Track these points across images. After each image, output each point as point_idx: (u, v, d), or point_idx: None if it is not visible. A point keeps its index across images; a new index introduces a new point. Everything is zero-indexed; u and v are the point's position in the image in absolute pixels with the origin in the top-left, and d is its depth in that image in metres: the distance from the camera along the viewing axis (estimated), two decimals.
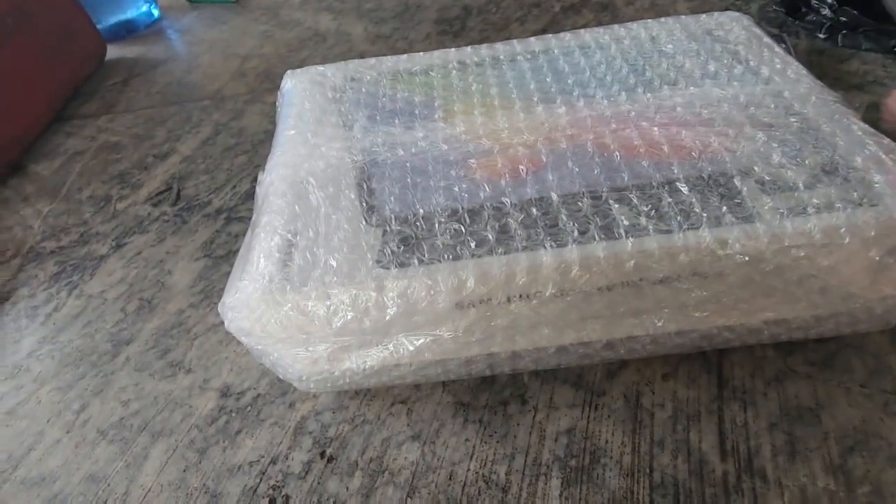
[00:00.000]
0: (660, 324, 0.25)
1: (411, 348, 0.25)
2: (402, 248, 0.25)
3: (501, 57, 0.38)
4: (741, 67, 0.33)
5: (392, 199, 0.28)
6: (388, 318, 0.24)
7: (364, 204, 0.28)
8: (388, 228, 0.26)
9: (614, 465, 0.26)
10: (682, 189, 0.26)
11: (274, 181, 0.30)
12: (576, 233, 0.25)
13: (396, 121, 0.34)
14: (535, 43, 0.39)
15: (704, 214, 0.24)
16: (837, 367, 0.28)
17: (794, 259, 0.23)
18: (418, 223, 0.27)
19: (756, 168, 0.26)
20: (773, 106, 0.30)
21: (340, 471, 0.27)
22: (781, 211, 0.24)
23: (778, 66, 0.33)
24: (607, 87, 0.34)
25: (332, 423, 0.29)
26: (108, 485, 0.28)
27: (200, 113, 0.51)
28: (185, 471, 0.28)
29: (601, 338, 0.26)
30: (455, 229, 0.26)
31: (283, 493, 0.27)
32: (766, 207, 0.24)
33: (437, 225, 0.26)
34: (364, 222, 0.27)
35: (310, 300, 0.24)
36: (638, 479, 0.25)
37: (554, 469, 0.26)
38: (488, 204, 0.27)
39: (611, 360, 0.27)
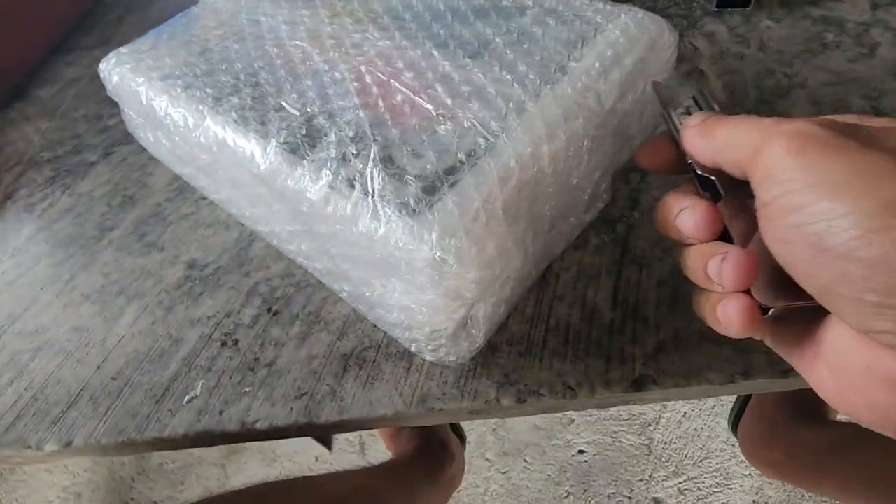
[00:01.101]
0: None
1: None
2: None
3: None
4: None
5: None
6: None
7: None
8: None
9: (518, 314, 0.29)
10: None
11: None
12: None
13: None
14: None
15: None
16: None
17: None
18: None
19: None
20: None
21: (283, 321, 0.31)
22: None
23: None
24: (432, 36, 0.32)
25: (280, 286, 0.33)
26: (90, 333, 0.33)
27: None
28: (153, 323, 0.33)
29: None
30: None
31: (233, 338, 0.31)
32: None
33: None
34: None
35: None
36: (536, 324, 0.29)
37: None
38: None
39: None
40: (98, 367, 0.31)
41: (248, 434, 0.28)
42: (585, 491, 0.92)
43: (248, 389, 0.29)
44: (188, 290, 0.34)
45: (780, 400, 0.59)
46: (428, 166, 0.24)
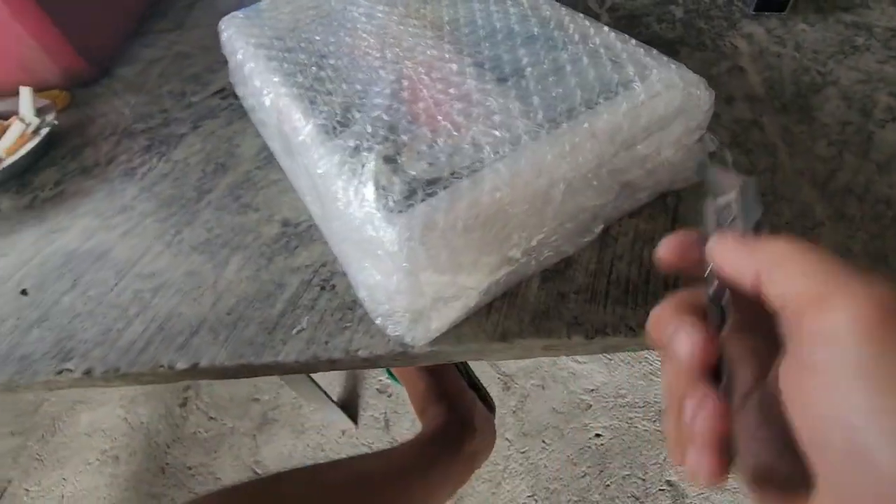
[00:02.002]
0: None
1: None
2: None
3: None
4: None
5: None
6: None
7: None
8: None
9: (582, 269, 0.34)
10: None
11: None
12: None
13: None
14: None
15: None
16: (769, 211, 0.35)
17: None
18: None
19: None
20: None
21: None
22: None
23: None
24: (475, 53, 0.35)
25: None
26: (201, 277, 0.38)
27: None
28: (257, 270, 0.38)
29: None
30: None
31: (330, 283, 0.36)
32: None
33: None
34: None
35: None
36: (598, 277, 0.33)
37: (536, 275, 0.34)
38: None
39: None
40: (213, 304, 0.36)
41: (352, 361, 0.32)
42: (602, 472, 0.97)
43: (348, 325, 0.33)
44: (285, 244, 0.39)
45: None
46: (418, 172, 0.27)
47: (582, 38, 0.34)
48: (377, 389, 1.13)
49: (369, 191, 0.27)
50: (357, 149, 0.29)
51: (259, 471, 1.06)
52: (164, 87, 0.58)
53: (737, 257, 0.16)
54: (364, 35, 0.39)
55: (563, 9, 0.37)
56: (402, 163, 0.28)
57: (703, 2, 0.54)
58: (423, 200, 0.26)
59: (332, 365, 0.33)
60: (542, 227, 0.30)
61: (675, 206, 0.36)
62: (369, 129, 0.30)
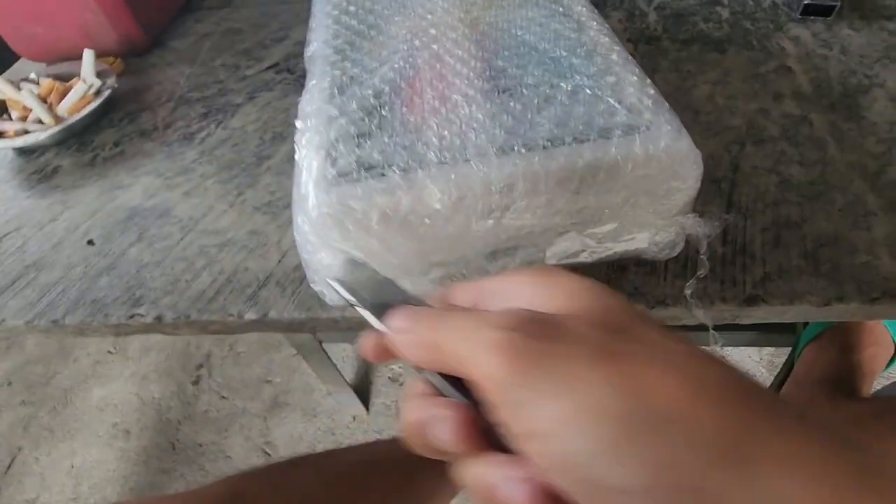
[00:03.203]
0: None
1: None
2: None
3: None
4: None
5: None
6: None
7: None
8: None
9: None
10: None
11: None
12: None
13: None
14: None
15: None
16: (822, 199, 0.36)
17: None
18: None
19: None
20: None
21: None
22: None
23: None
24: (490, 58, 0.34)
25: None
26: (266, 236, 0.39)
27: (307, 11, 0.60)
28: None
29: None
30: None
31: None
32: None
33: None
34: None
35: None
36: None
37: None
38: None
39: None
40: (279, 261, 0.37)
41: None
42: None
43: None
44: None
45: (817, 377, 0.64)
46: (364, 156, 0.28)
47: (600, 71, 0.32)
48: (389, 378, 1.14)
49: (320, 157, 0.28)
50: (331, 117, 0.31)
51: (269, 451, 1.07)
52: (217, 60, 0.59)
53: (419, 358, 0.17)
54: (411, 16, 0.39)
55: (608, 38, 0.35)
56: (361, 143, 0.29)
57: (749, 4, 0.55)
58: (354, 182, 0.27)
59: None
60: (460, 252, 0.30)
61: (728, 190, 0.37)
62: (355, 104, 0.31)
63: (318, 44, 0.38)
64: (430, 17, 0.39)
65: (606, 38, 0.36)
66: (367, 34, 0.38)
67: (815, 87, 0.45)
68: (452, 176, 0.26)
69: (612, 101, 0.30)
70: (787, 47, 0.49)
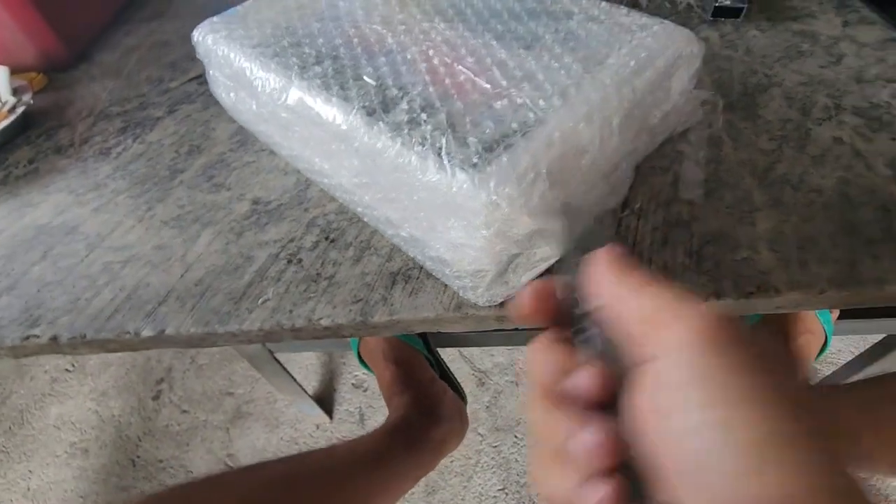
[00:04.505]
0: None
1: None
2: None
3: None
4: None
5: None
6: None
7: None
8: None
9: None
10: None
11: None
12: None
13: None
14: None
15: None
16: (712, 196, 0.37)
17: None
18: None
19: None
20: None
21: (339, 247, 0.38)
22: None
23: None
24: (490, 29, 0.38)
25: (336, 220, 0.39)
26: (171, 250, 0.39)
27: None
28: (227, 244, 0.39)
29: None
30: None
31: (297, 258, 0.37)
32: None
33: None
34: None
35: None
36: None
37: None
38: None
39: None
40: (181, 275, 0.37)
41: (314, 330, 0.34)
42: None
43: (312, 295, 0.35)
44: (255, 220, 0.40)
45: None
46: (487, 131, 0.30)
47: (581, 9, 0.39)
48: (352, 384, 1.14)
49: (447, 154, 0.28)
50: (414, 121, 0.31)
51: (231, 464, 1.06)
52: (143, 73, 0.59)
53: (607, 280, 0.17)
54: (371, 26, 0.40)
55: None
56: (465, 128, 0.30)
57: (665, 7, 0.57)
58: (502, 155, 0.28)
59: (294, 333, 0.34)
60: (601, 170, 0.34)
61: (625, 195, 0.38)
62: (420, 104, 0.32)
63: (294, 85, 0.36)
64: (390, 21, 0.40)
65: None
66: (339, 55, 0.38)
67: (718, 87, 0.46)
68: (563, 113, 0.30)
69: (612, 21, 0.37)
70: None
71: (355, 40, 0.39)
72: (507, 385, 1.10)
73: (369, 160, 0.32)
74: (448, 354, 1.13)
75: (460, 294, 0.33)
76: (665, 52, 0.34)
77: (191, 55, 0.60)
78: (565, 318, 0.19)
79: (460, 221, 0.29)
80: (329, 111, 0.34)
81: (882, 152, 0.38)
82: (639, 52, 0.34)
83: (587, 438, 0.15)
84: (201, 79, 0.56)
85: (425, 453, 0.71)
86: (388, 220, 0.36)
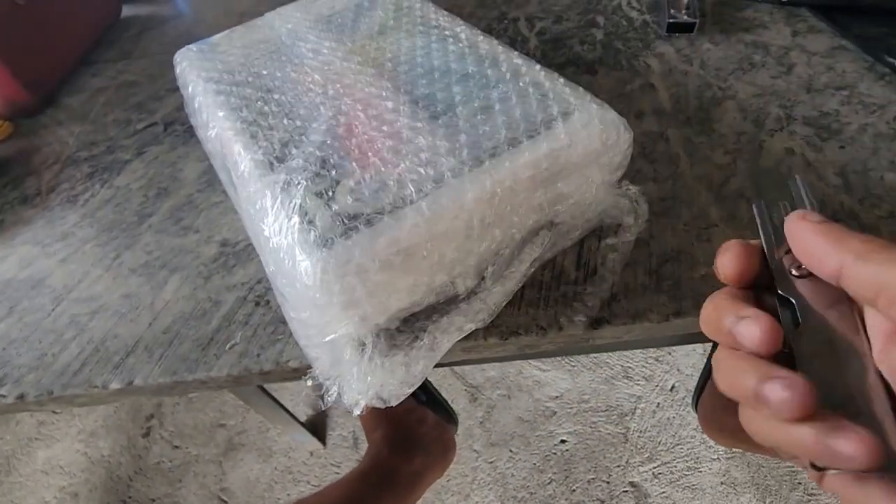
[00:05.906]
0: None
1: None
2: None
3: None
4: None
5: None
6: None
7: None
8: None
9: None
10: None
11: None
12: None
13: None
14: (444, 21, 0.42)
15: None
16: (670, 214, 0.38)
17: None
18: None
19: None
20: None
21: None
22: None
23: None
24: (411, 90, 0.36)
25: None
26: (139, 299, 0.39)
27: None
28: (194, 289, 0.39)
29: None
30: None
31: (265, 299, 0.37)
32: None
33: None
34: None
35: None
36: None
37: None
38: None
39: None
40: (149, 324, 0.37)
41: (282, 372, 0.34)
42: (567, 477, 0.98)
43: (280, 337, 0.35)
44: (223, 262, 0.40)
45: None
46: (342, 209, 0.28)
47: (514, 75, 0.35)
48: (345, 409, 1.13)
49: (293, 224, 0.28)
50: (288, 183, 0.30)
51: (225, 498, 1.04)
52: (110, 115, 0.59)
53: (817, 246, 0.17)
54: (309, 71, 0.40)
55: (500, 46, 0.39)
56: (331, 198, 0.29)
57: (622, 25, 0.58)
58: (343, 236, 0.27)
59: (263, 377, 0.34)
60: (464, 262, 0.31)
61: None
62: (302, 164, 0.31)
63: (220, 123, 0.36)
64: (328, 68, 0.39)
65: (500, 47, 0.38)
66: (269, 99, 0.38)
67: (675, 102, 0.47)
68: (442, 200, 0.28)
69: (538, 96, 0.33)
70: (653, 65, 0.52)
71: (289, 85, 0.38)
72: (499, 399, 1.10)
73: (249, 214, 0.32)
74: (439, 372, 1.13)
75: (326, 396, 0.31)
76: (578, 144, 0.31)
77: (158, 95, 0.61)
78: (763, 279, 0.20)
79: (292, 295, 0.28)
80: (236, 153, 0.34)
81: (832, 161, 0.39)
82: (542, 143, 0.30)
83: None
84: (168, 118, 0.56)
85: (400, 489, 0.71)
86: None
